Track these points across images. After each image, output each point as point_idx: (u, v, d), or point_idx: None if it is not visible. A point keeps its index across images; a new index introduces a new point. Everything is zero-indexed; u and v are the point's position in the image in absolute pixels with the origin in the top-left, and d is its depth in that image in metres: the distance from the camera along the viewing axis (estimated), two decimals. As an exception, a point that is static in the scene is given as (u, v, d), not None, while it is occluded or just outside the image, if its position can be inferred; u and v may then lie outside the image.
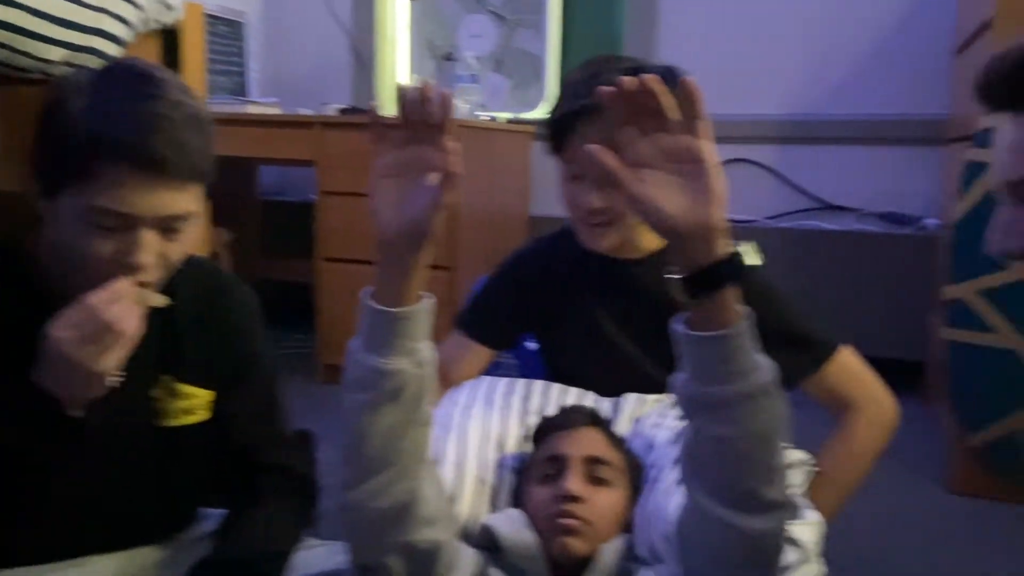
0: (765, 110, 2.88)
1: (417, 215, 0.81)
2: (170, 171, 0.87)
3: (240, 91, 3.03)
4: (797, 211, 2.83)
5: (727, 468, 0.80)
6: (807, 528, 1.11)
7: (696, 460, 0.83)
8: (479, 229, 2.63)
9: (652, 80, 0.74)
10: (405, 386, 0.85)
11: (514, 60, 3.17)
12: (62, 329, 0.86)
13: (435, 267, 2.48)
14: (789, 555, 1.04)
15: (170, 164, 0.87)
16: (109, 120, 0.86)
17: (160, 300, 0.93)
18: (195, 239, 1.03)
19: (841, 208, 2.77)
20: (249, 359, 1.13)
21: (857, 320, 2.56)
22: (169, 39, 1.46)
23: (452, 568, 0.96)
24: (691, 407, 0.82)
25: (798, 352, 1.25)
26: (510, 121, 2.98)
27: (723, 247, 0.76)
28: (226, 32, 2.98)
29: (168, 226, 0.91)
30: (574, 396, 1.27)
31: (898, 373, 2.45)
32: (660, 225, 0.77)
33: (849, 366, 1.29)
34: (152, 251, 0.90)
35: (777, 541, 0.84)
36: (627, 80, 0.74)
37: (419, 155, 0.81)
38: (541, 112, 3.13)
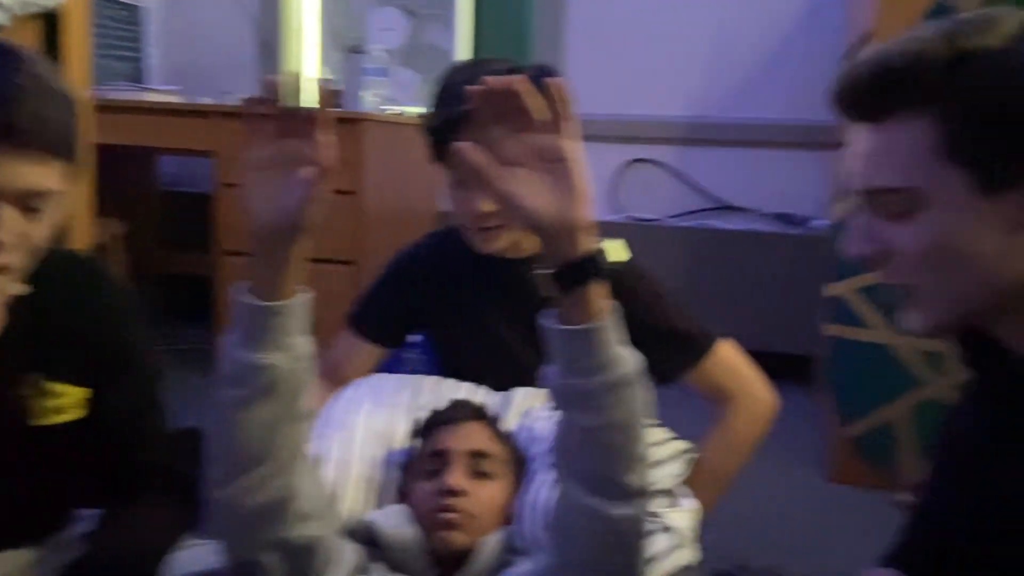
0: (668, 112, 2.96)
1: (290, 208, 0.81)
2: (30, 143, 0.83)
3: (138, 78, 2.93)
4: (697, 211, 2.92)
5: (591, 456, 0.84)
6: (683, 515, 1.16)
7: (565, 450, 0.86)
8: (386, 224, 2.61)
9: (518, 81, 0.76)
10: (280, 381, 0.85)
11: (424, 54, 3.16)
12: None
13: (340, 262, 2.46)
14: (663, 541, 1.08)
15: (31, 135, 0.83)
16: None
17: (20, 288, 0.90)
18: (59, 224, 0.98)
19: (738, 208, 2.88)
20: (125, 355, 1.09)
21: (751, 315, 2.67)
22: (52, 23, 1.41)
23: (331, 564, 0.96)
24: (560, 398, 0.84)
25: (678, 347, 1.29)
26: (419, 115, 2.98)
27: (588, 243, 0.79)
28: (123, 17, 2.89)
29: (29, 204, 0.86)
30: (465, 391, 1.28)
31: (788, 367, 2.56)
32: (527, 222, 0.79)
33: (728, 360, 1.33)
34: (11, 229, 0.85)
35: (639, 527, 0.87)
36: (493, 80, 0.76)
37: (292, 148, 0.81)
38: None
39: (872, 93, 0.69)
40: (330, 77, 2.83)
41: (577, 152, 0.79)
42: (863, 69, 0.70)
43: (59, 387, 1.02)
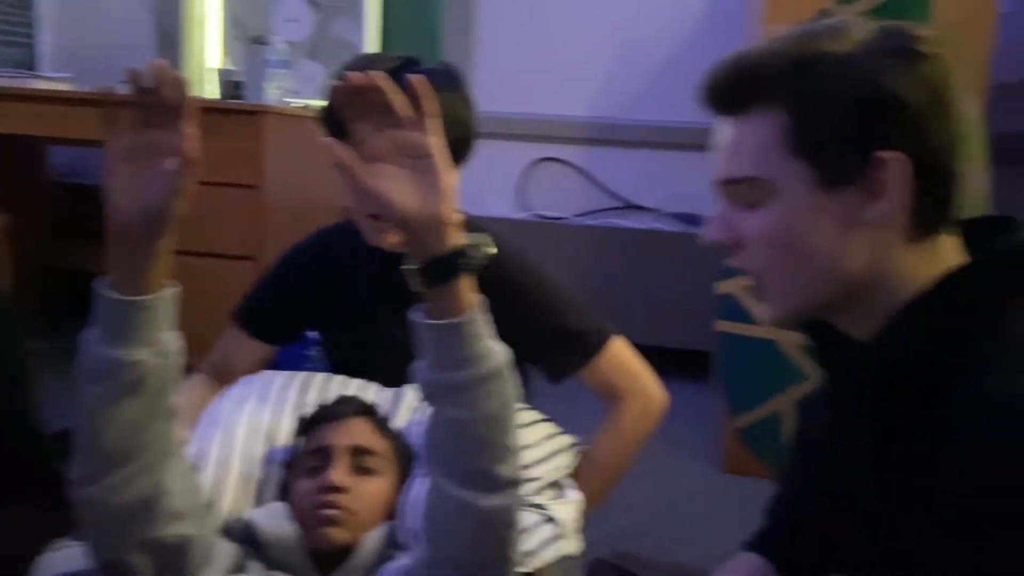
0: (575, 112, 3.00)
1: (154, 200, 0.79)
2: None
3: (29, 64, 2.79)
4: (602, 209, 2.98)
5: (462, 449, 0.85)
6: (567, 507, 1.19)
7: (435, 443, 0.87)
8: (288, 219, 2.56)
9: (379, 77, 0.76)
10: (146, 378, 0.83)
11: (331, 47, 3.12)
12: None
13: (240, 258, 2.40)
14: (546, 531, 1.11)
15: None
16: None
17: None
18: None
19: (641, 208, 2.95)
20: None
21: (653, 312, 2.74)
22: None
23: (206, 563, 0.94)
24: (430, 392, 0.85)
25: (570, 345, 1.31)
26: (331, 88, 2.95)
27: (454, 239, 0.80)
28: (14, 1, 2.75)
29: None
30: (355, 388, 1.28)
31: (687, 363, 2.65)
32: (392, 217, 0.79)
33: (619, 358, 1.35)
34: None
35: (511, 517, 0.89)
36: (355, 76, 0.76)
37: (156, 139, 0.79)
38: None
39: (732, 87, 0.73)
40: (232, 68, 2.76)
41: (441, 149, 0.80)
42: (726, 66, 0.74)
43: None
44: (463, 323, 0.81)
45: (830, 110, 0.68)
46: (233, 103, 2.50)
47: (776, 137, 0.69)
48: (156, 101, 0.78)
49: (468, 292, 0.82)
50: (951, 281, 0.69)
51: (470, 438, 0.84)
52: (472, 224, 1.34)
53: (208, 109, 2.41)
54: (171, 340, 0.86)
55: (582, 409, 1.40)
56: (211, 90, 2.96)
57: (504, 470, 0.86)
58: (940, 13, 1.84)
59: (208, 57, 3.28)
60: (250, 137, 2.36)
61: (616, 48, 2.98)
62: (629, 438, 1.35)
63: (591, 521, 1.23)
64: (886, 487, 0.72)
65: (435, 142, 0.80)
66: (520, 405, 1.23)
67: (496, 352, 0.84)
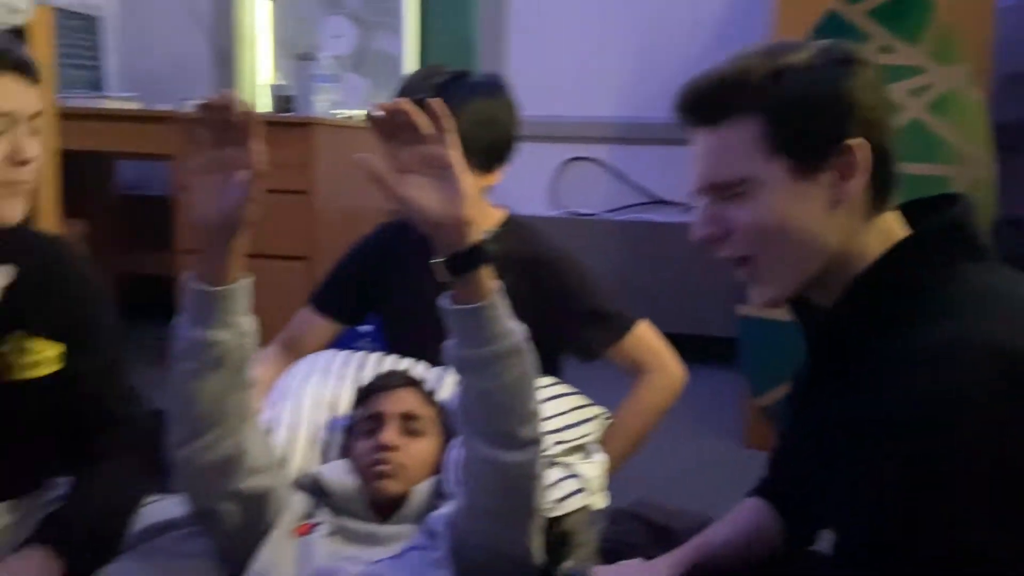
0: (603, 112, 3.13)
1: (231, 207, 0.94)
2: (31, 71, 1.02)
3: (97, 85, 3.01)
4: (631, 205, 3.11)
5: (488, 414, 1.00)
6: (593, 466, 1.34)
7: (466, 409, 1.02)
8: (336, 221, 2.73)
9: (405, 104, 0.91)
10: (227, 355, 1.00)
11: (372, 60, 3.30)
12: None
13: (293, 258, 2.58)
14: (570, 484, 1.26)
15: (30, 65, 1.02)
16: None
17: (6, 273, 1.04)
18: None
19: (668, 202, 3.07)
20: (96, 316, 1.21)
21: (680, 301, 2.86)
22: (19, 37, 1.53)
23: (282, 510, 1.12)
24: (459, 367, 1.00)
25: (601, 327, 1.47)
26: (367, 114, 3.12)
27: (473, 236, 0.94)
28: (81, 27, 2.96)
29: (34, 127, 1.03)
30: (405, 365, 1.44)
31: (712, 348, 2.77)
32: (420, 219, 0.94)
33: (644, 338, 1.51)
34: (32, 149, 1.02)
35: (532, 470, 1.03)
36: (385, 104, 0.92)
37: (228, 155, 0.94)
38: (399, 111, 3.30)
39: (709, 100, 0.85)
40: (282, 83, 2.95)
41: (459, 160, 0.94)
42: (701, 82, 0.86)
43: (38, 343, 1.14)
44: (484, 307, 0.95)
45: (801, 111, 0.81)
46: (284, 116, 2.69)
47: (755, 139, 0.81)
48: (227, 123, 0.93)
49: (488, 280, 0.95)
50: (896, 251, 0.82)
51: (494, 404, 0.99)
52: (514, 222, 1.50)
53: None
54: (247, 322, 1.02)
55: (609, 386, 1.55)
56: (262, 104, 3.15)
57: (525, 431, 1.00)
58: (941, 9, 1.94)
59: (259, 73, 3.49)
60: (301, 147, 2.55)
61: (640, 50, 3.11)
62: (651, 408, 1.50)
63: (620, 490, 1.37)
64: (821, 425, 0.85)
65: (454, 154, 0.94)
66: (552, 379, 1.39)
67: (515, 331, 0.98)
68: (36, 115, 1.04)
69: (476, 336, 0.96)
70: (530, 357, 1.00)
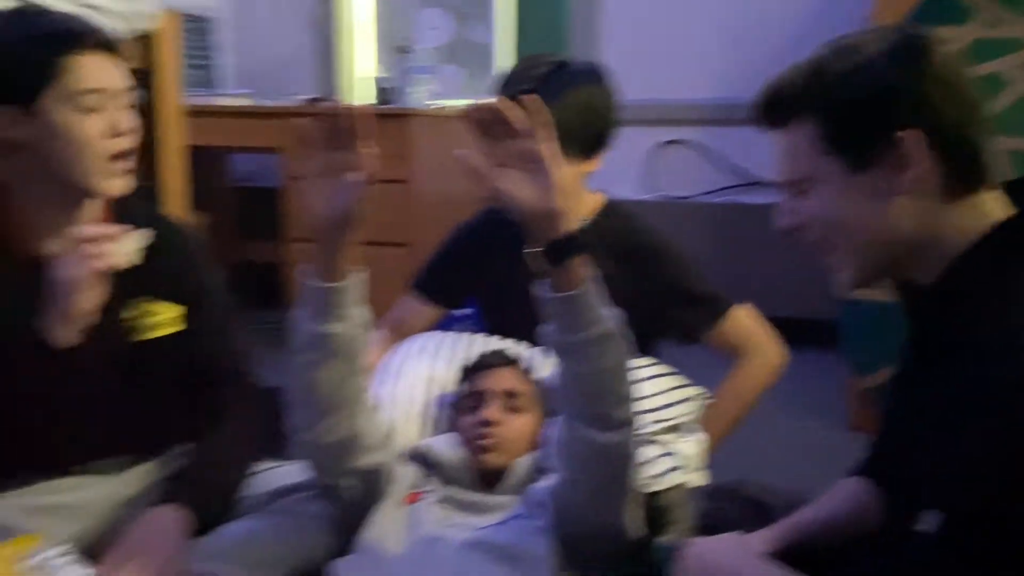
0: (696, 95, 3.12)
1: (343, 208, 1.01)
2: (116, 49, 1.12)
3: (211, 84, 3.19)
4: (725, 187, 3.08)
5: (585, 396, 1.04)
6: (690, 444, 1.37)
7: (563, 391, 1.07)
8: (434, 209, 2.82)
9: (502, 103, 0.96)
10: (343, 346, 1.07)
11: (467, 51, 3.37)
12: (67, 267, 1.05)
13: (393, 244, 2.69)
14: (666, 462, 1.29)
15: (114, 44, 1.12)
16: (59, 22, 1.10)
17: (143, 236, 1.14)
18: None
19: (764, 183, 3.03)
20: (209, 280, 1.31)
21: (781, 284, 2.82)
22: (148, 42, 1.65)
23: (393, 482, 1.20)
24: (557, 351, 1.05)
25: (700, 311, 1.51)
26: (463, 108, 3.20)
27: (567, 226, 0.98)
28: (197, 29, 3.15)
29: (127, 101, 1.13)
30: (505, 346, 1.50)
31: (815, 330, 2.72)
32: (516, 211, 0.99)
33: (743, 321, 1.53)
34: (129, 121, 1.12)
35: (626, 450, 1.08)
36: (481, 104, 0.96)
37: (340, 158, 1.00)
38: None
39: (775, 105, 0.90)
40: (382, 75, 3.06)
41: (552, 153, 0.98)
42: (771, 88, 0.91)
43: (160, 306, 1.23)
44: (578, 295, 0.99)
45: (846, 110, 0.84)
46: (384, 108, 2.79)
47: (812, 140, 0.86)
48: (337, 127, 0.99)
49: (582, 268, 0.99)
50: (994, 233, 0.83)
51: (589, 387, 1.03)
52: (612, 207, 1.54)
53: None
54: (360, 314, 1.09)
55: (709, 368, 1.57)
56: (362, 96, 3.27)
57: (619, 412, 1.05)
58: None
59: (360, 66, 3.62)
60: (399, 138, 2.65)
61: (733, 31, 3.08)
62: (749, 390, 1.52)
63: (724, 470, 1.39)
64: (924, 404, 0.86)
65: (547, 148, 0.98)
66: (650, 360, 1.43)
67: (608, 317, 1.02)
68: (128, 90, 1.13)
69: (571, 323, 1.00)
70: (624, 342, 1.04)
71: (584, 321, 1.00)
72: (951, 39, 2.04)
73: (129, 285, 1.17)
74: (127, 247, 1.10)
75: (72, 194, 1.13)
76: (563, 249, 0.98)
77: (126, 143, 1.12)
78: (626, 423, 1.06)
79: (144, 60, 1.68)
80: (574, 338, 1.01)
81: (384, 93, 2.91)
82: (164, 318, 1.24)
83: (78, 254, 1.05)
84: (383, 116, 2.66)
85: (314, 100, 2.98)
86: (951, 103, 0.83)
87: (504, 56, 3.39)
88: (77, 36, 1.08)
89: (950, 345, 0.84)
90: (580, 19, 3.25)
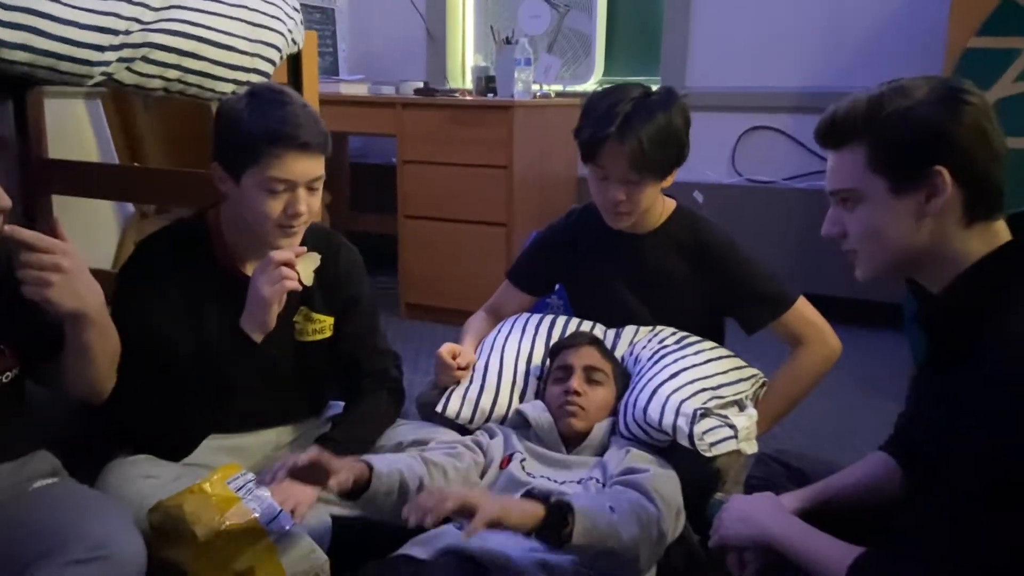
0: (783, 83, 3.22)
1: None
2: (314, 148, 1.36)
3: (333, 70, 3.47)
4: (809, 173, 3.19)
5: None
6: (744, 418, 1.57)
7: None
8: (532, 190, 3.05)
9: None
10: None
11: (566, 39, 3.55)
12: (264, 286, 1.35)
13: (495, 224, 2.96)
14: (724, 431, 1.50)
15: (313, 143, 1.36)
16: (272, 122, 1.33)
17: (316, 258, 1.42)
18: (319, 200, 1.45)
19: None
20: (357, 295, 1.60)
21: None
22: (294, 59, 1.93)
23: (491, 453, 1.48)
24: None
25: (762, 305, 1.68)
26: (559, 95, 3.39)
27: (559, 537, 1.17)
28: (320, 19, 3.43)
29: (311, 186, 1.39)
30: (587, 327, 1.75)
31: (885, 312, 2.84)
32: None
33: (802, 312, 1.69)
34: (305, 204, 1.38)
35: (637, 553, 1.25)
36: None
37: None
38: (589, 85, 3.53)
39: (834, 130, 1.08)
40: (484, 64, 3.28)
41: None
42: (831, 116, 1.09)
43: (319, 316, 1.57)
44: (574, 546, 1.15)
45: (896, 142, 1.02)
46: (488, 100, 3.03)
47: (862, 161, 1.05)
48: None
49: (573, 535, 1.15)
50: (996, 256, 1.02)
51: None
52: (681, 211, 1.73)
53: (468, 106, 2.98)
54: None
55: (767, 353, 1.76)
56: (470, 82, 3.50)
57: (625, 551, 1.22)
58: None
59: (467, 55, 3.86)
60: (502, 127, 2.89)
61: (820, 22, 3.15)
62: (808, 374, 1.69)
63: (791, 442, 1.53)
64: (934, 398, 1.06)
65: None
66: (713, 344, 1.63)
67: (606, 536, 1.18)
68: (315, 179, 1.37)
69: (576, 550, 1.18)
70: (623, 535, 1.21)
71: (586, 550, 1.18)
72: (1022, 48, 2.13)
73: (297, 296, 1.49)
74: (305, 271, 1.38)
75: (259, 237, 1.42)
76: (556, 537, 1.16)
77: (297, 222, 1.38)
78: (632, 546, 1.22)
79: (293, 67, 1.95)
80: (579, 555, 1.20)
81: (487, 81, 3.14)
82: (320, 326, 1.57)
83: (272, 276, 1.35)
84: (487, 107, 2.92)
85: (425, 87, 3.24)
86: (979, 147, 1.00)
87: (601, 43, 3.54)
88: (286, 137, 1.32)
89: (956, 347, 1.03)
90: (672, 12, 3.37)
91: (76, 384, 1.26)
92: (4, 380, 1.18)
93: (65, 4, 1.27)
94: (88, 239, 2.70)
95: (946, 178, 0.99)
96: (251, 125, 1.33)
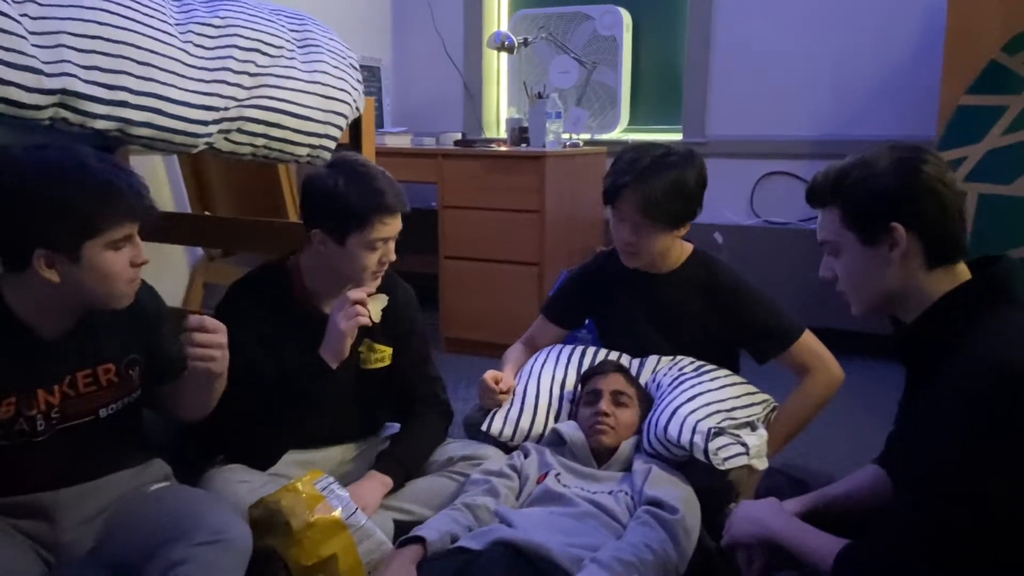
0: (798, 132, 3.44)
1: None
2: (397, 209, 1.63)
3: (379, 123, 3.70)
4: (822, 215, 3.38)
5: None
6: (755, 437, 1.75)
7: None
8: (562, 232, 3.25)
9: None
10: None
11: (593, 92, 3.78)
12: (342, 321, 1.59)
13: (527, 263, 3.17)
14: (736, 448, 1.68)
15: (400, 206, 1.63)
16: (371, 194, 1.60)
17: (384, 299, 1.67)
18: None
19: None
20: (412, 328, 1.83)
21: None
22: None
23: (526, 473, 1.69)
24: None
25: (771, 339, 1.87)
26: (587, 143, 3.63)
27: None
28: (367, 76, 3.67)
29: (395, 239, 1.66)
30: (614, 356, 1.96)
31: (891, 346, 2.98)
32: None
33: (808, 344, 1.87)
34: (393, 253, 1.66)
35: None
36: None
37: None
38: (615, 134, 3.75)
39: (818, 194, 1.29)
40: (519, 116, 3.53)
41: None
42: (809, 186, 1.30)
43: (379, 346, 1.79)
44: None
45: (859, 207, 1.22)
46: (522, 150, 3.26)
47: (838, 220, 1.25)
48: None
49: None
50: (955, 293, 1.21)
51: None
52: (698, 254, 1.94)
53: (503, 156, 3.22)
54: None
55: (779, 381, 1.95)
56: (504, 132, 3.73)
57: None
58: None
59: (502, 108, 4.11)
60: (534, 175, 3.12)
61: (831, 77, 3.36)
62: (814, 401, 1.86)
63: (802, 462, 1.68)
64: (907, 416, 1.26)
65: None
66: (727, 372, 1.83)
67: None
68: (396, 234, 1.66)
69: None
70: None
71: None
72: (1008, 105, 2.32)
73: (362, 329, 1.71)
74: (375, 310, 1.63)
75: (345, 281, 1.67)
76: None
77: (384, 268, 1.67)
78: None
79: (354, 129, 2.19)
80: None
81: (521, 132, 3.38)
82: (380, 355, 1.80)
83: (348, 312, 1.59)
84: (521, 157, 3.16)
85: (463, 139, 3.49)
86: (932, 206, 1.20)
87: (626, 96, 3.75)
88: (386, 207, 1.61)
89: (923, 370, 1.23)
90: (692, 65, 3.59)
91: (188, 408, 1.51)
92: (130, 400, 1.43)
93: (181, 88, 1.53)
94: (160, 279, 2.95)
95: (902, 232, 1.19)
96: (353, 198, 1.59)
